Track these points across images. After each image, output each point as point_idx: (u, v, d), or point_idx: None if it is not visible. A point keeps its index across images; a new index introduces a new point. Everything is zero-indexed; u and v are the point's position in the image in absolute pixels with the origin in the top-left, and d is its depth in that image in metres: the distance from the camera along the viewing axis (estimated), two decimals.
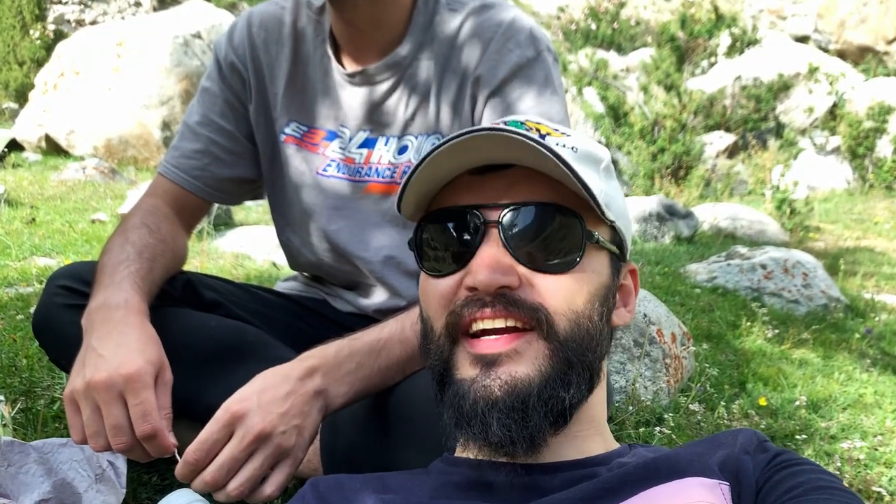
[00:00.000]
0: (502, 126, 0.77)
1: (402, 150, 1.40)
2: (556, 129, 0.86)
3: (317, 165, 1.45)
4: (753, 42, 10.31)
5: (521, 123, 0.84)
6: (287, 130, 1.47)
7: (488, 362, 0.76)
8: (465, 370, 0.78)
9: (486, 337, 0.77)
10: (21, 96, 10.08)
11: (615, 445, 0.86)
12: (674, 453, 0.80)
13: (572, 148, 0.82)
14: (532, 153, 0.77)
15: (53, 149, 7.87)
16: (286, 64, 1.44)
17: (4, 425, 1.42)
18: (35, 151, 7.94)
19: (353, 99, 1.41)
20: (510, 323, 0.77)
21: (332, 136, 1.44)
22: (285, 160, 1.48)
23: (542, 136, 0.81)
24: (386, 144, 1.41)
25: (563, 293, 0.79)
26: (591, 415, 0.84)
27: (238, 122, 1.48)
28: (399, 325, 1.15)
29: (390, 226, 1.43)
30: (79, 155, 7.59)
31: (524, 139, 0.75)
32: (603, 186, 0.83)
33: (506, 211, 0.79)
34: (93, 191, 5.37)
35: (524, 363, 0.76)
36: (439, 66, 1.37)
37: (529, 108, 1.33)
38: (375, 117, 1.41)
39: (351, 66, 1.40)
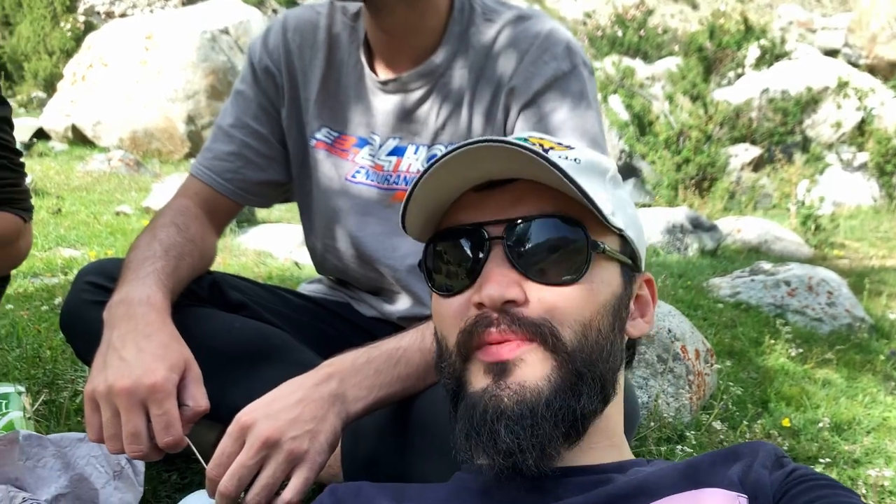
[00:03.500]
0: (499, 137, 0.78)
1: (431, 158, 1.39)
2: (559, 143, 0.86)
3: (346, 171, 1.45)
4: (782, 55, 10.23)
5: (525, 139, 0.83)
6: (318, 136, 1.47)
7: (499, 371, 0.76)
8: (478, 381, 0.78)
9: (494, 345, 0.77)
10: (49, 86, 10.20)
11: (630, 457, 0.86)
12: (693, 462, 0.79)
13: (575, 160, 0.82)
14: (532, 165, 0.77)
15: (80, 139, 7.96)
16: (320, 69, 1.44)
17: (28, 418, 1.43)
18: (61, 141, 8.04)
19: (384, 106, 1.41)
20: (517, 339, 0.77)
21: (363, 142, 1.44)
22: (315, 165, 1.48)
23: (546, 151, 0.80)
24: (415, 152, 1.41)
25: (569, 305, 0.78)
26: (606, 427, 0.83)
27: (271, 126, 1.48)
28: (419, 334, 1.14)
29: None
30: (104, 146, 7.67)
31: (521, 149, 0.75)
32: (609, 196, 0.83)
33: (509, 226, 0.79)
34: (118, 183, 5.42)
35: (532, 371, 0.76)
36: (473, 74, 1.37)
37: (563, 121, 1.32)
38: (406, 125, 1.41)
39: (384, 74, 1.40)
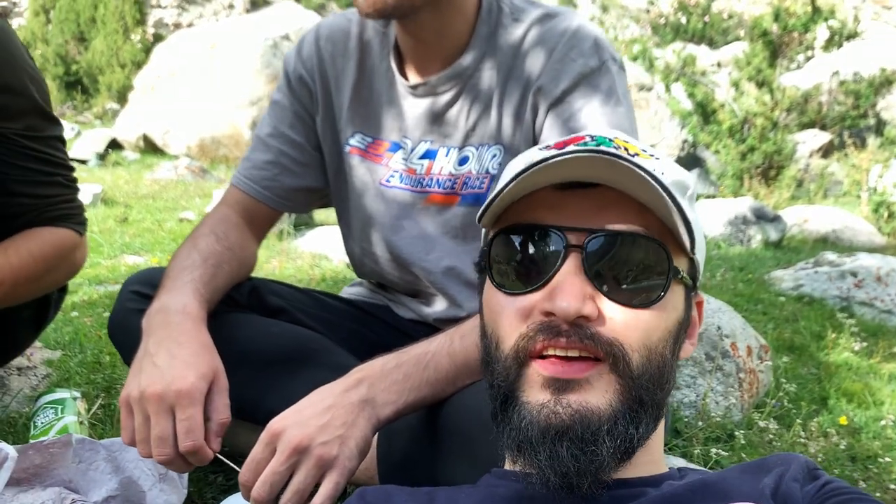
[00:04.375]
0: (605, 149, 0.74)
1: (462, 161, 1.40)
2: (643, 150, 0.82)
3: (380, 176, 1.47)
4: (853, 35, 9.83)
5: (610, 140, 0.80)
6: (352, 142, 1.49)
7: (559, 387, 0.73)
8: (534, 393, 0.75)
9: (559, 361, 0.74)
10: (122, 97, 10.57)
11: (665, 469, 0.84)
12: (724, 475, 0.78)
13: (661, 173, 0.78)
14: (629, 177, 0.74)
15: (151, 148, 8.23)
16: (352, 76, 1.46)
17: (82, 423, 1.50)
18: (134, 150, 8.33)
19: (415, 110, 1.42)
20: (584, 354, 0.74)
21: (396, 147, 1.45)
22: (350, 171, 1.50)
23: (632, 156, 0.77)
24: (447, 155, 1.41)
25: (641, 329, 0.75)
26: (649, 444, 0.81)
27: (307, 134, 1.51)
28: (448, 338, 1.15)
29: (450, 236, 1.44)
30: (174, 154, 7.92)
31: (628, 164, 0.72)
32: (691, 217, 0.78)
33: (591, 237, 0.75)
34: (183, 190, 5.58)
35: (595, 394, 0.73)
36: (502, 75, 1.36)
37: (593, 118, 1.31)
38: (437, 128, 1.41)
39: (414, 78, 1.41)
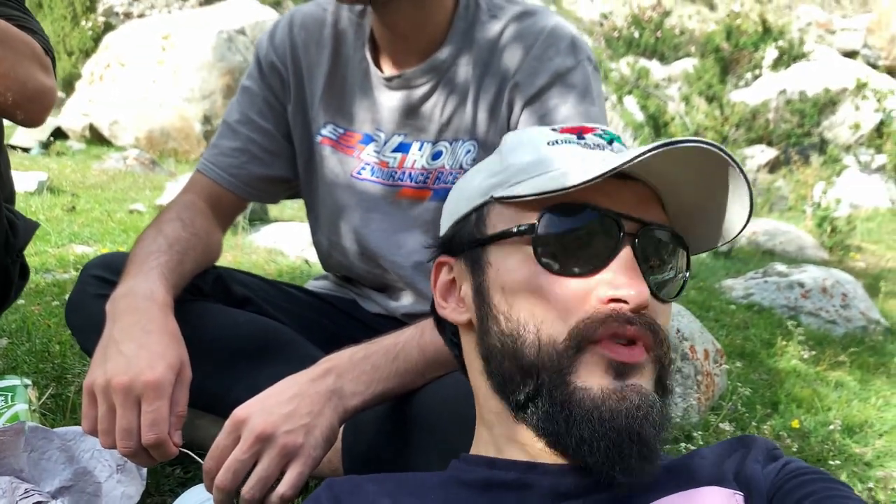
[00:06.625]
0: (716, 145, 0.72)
1: (435, 155, 1.40)
2: None
3: (351, 168, 1.45)
4: (800, 56, 10.15)
5: (619, 138, 0.82)
6: (323, 132, 1.47)
7: (623, 371, 0.72)
8: (595, 378, 0.72)
9: (622, 344, 0.72)
10: (68, 85, 10.27)
11: None
12: (688, 460, 0.79)
13: None
14: (726, 178, 0.76)
15: (97, 138, 8.02)
16: (325, 65, 1.44)
17: (33, 411, 1.44)
18: (79, 140, 8.10)
19: (389, 103, 1.41)
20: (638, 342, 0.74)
21: (368, 139, 1.44)
22: (320, 161, 1.48)
23: None
24: (420, 149, 1.40)
25: (667, 322, 0.78)
26: None
27: (277, 122, 1.49)
28: (418, 330, 1.14)
29: (421, 231, 1.43)
30: (121, 145, 7.72)
31: (733, 164, 0.73)
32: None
33: (644, 228, 0.76)
34: (132, 181, 5.45)
35: (646, 379, 0.74)
36: (479, 70, 1.36)
37: (567, 116, 1.32)
38: (411, 122, 1.40)
39: (389, 70, 1.40)
